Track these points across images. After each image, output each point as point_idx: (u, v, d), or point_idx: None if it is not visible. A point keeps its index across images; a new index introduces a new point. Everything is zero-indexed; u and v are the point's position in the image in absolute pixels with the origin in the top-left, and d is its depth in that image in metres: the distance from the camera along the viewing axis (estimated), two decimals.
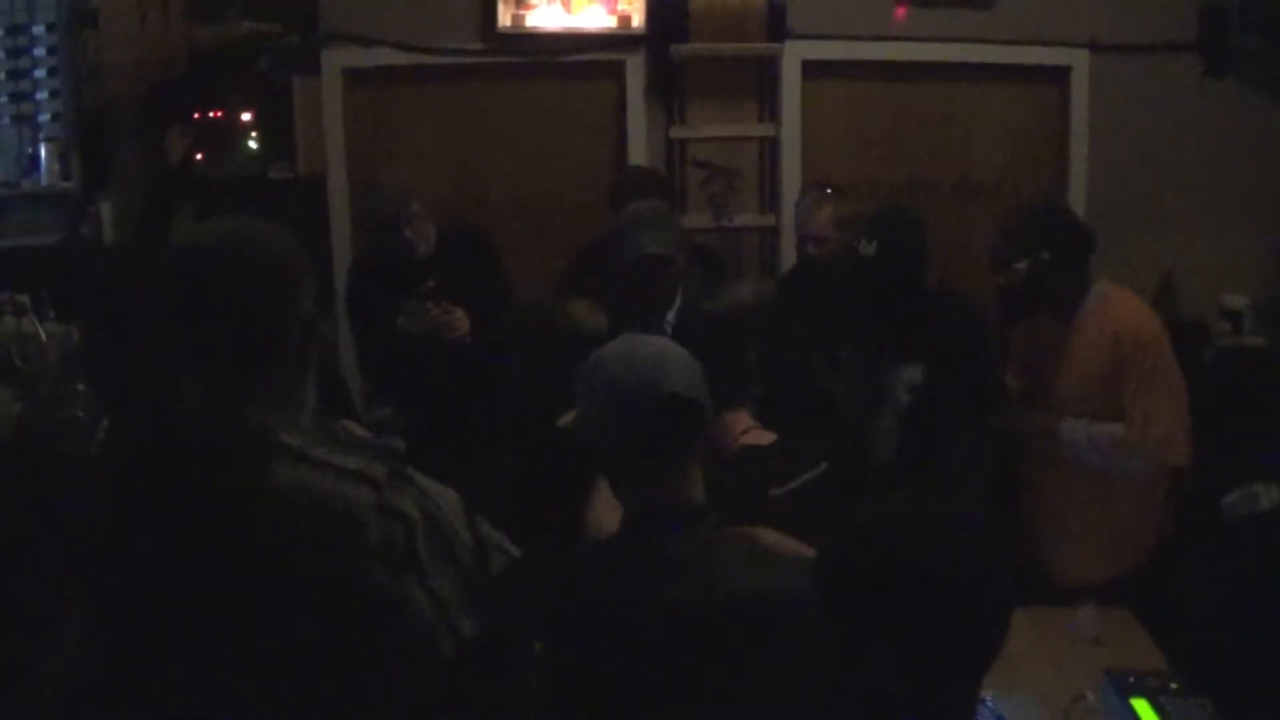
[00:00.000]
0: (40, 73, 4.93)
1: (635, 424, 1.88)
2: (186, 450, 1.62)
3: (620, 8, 4.77)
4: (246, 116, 4.74)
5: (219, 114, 4.71)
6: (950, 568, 1.55)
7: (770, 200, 4.93)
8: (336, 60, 4.81)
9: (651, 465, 1.90)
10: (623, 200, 4.21)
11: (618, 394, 1.89)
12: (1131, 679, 2.62)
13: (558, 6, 4.77)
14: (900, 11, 4.92)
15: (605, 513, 2.28)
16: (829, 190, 4.24)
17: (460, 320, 3.76)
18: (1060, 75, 5.04)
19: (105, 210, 4.75)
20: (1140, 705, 2.54)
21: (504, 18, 4.74)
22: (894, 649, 1.54)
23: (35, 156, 4.89)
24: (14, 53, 4.91)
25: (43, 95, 4.93)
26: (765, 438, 2.90)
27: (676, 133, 4.87)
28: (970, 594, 1.55)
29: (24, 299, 2.87)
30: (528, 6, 4.76)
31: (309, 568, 1.57)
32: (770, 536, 2.33)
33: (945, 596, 1.53)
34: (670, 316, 3.48)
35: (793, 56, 4.85)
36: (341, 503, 1.58)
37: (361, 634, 1.59)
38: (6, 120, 4.90)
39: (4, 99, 4.89)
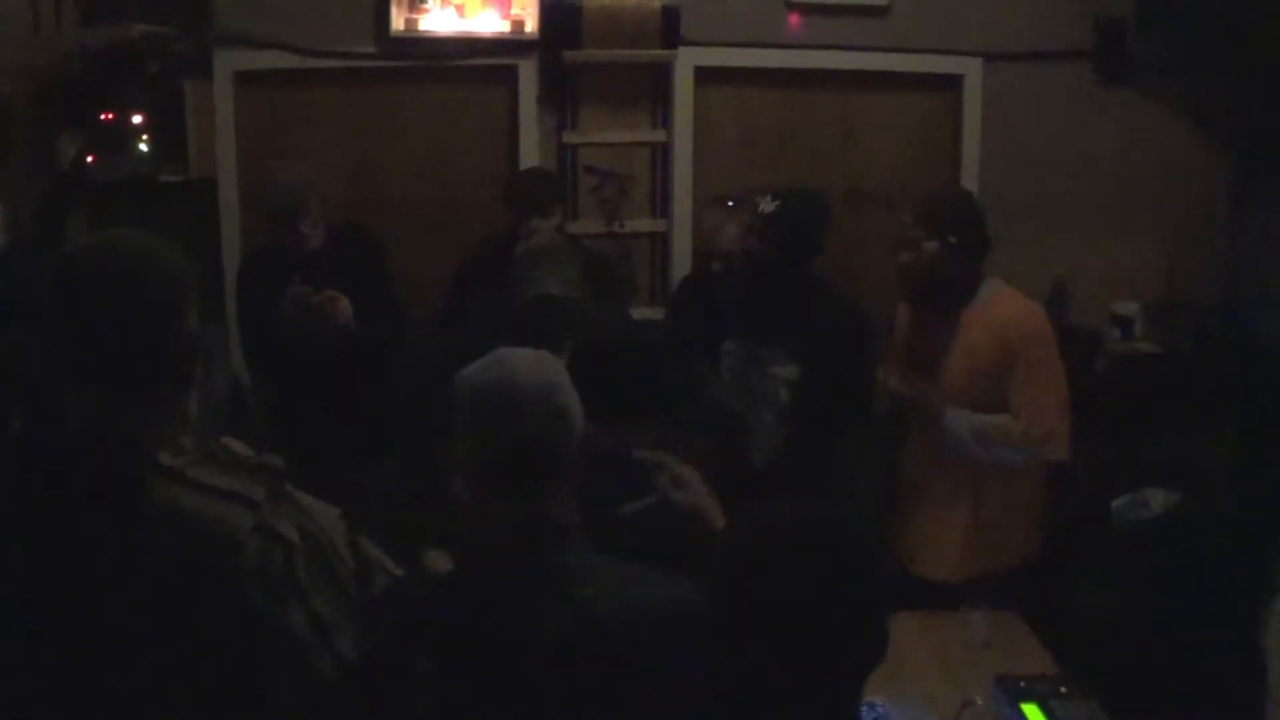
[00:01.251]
0: None
1: (503, 442, 1.84)
2: (63, 468, 1.61)
3: (513, 12, 4.78)
4: (138, 119, 4.73)
5: (110, 116, 4.69)
6: (829, 574, 1.56)
7: (662, 206, 4.95)
8: (228, 63, 4.79)
9: (519, 485, 1.85)
10: (518, 203, 4.23)
11: (484, 412, 1.86)
12: (1021, 683, 2.65)
13: (451, 11, 4.77)
14: (794, 19, 4.95)
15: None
16: (730, 204, 4.26)
17: (344, 306, 3.75)
18: (954, 83, 5.09)
19: None
20: (1030, 710, 2.58)
21: (397, 21, 4.74)
22: (777, 655, 1.55)
23: None
24: None
25: None
26: None
27: (569, 138, 4.88)
28: (850, 599, 1.56)
29: None
30: (421, 10, 4.76)
31: (185, 590, 1.56)
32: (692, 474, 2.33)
33: (825, 602, 1.54)
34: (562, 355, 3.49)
35: (685, 63, 4.88)
36: (218, 525, 1.57)
37: (240, 657, 1.58)
38: None
39: None
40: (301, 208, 3.80)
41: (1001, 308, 3.36)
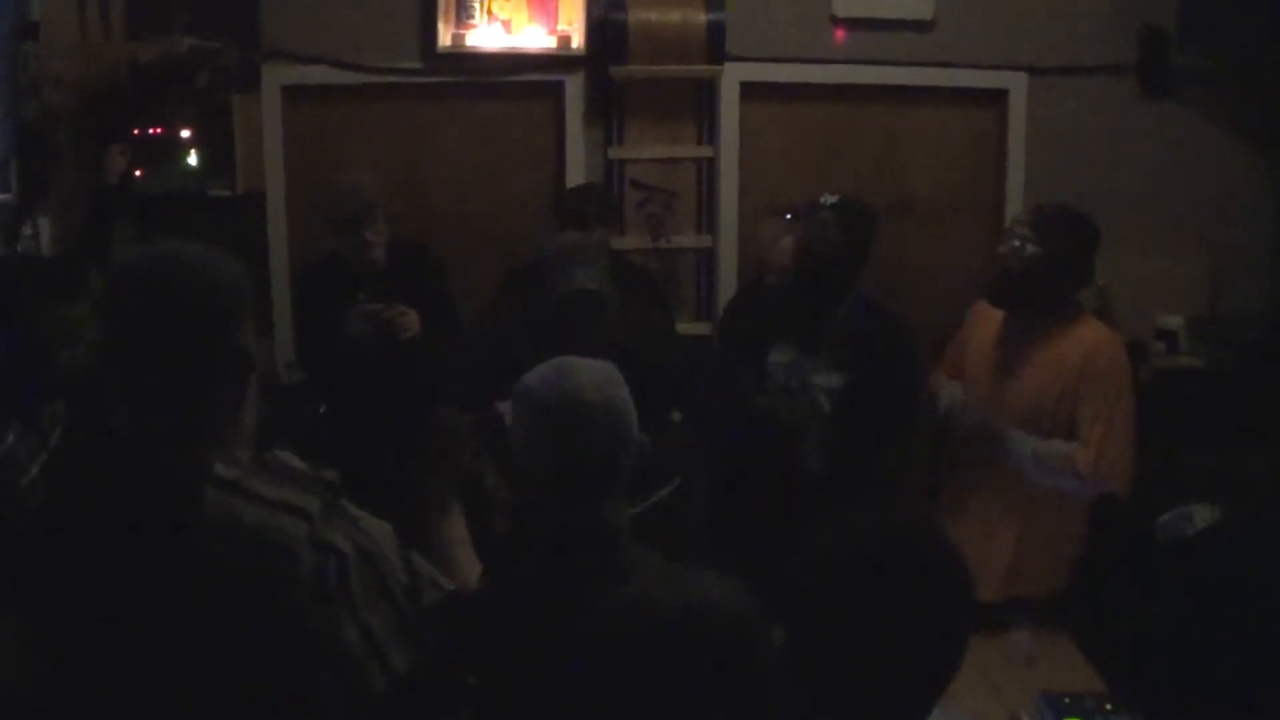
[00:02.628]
0: None
1: (570, 455, 1.90)
2: (120, 480, 1.62)
3: (560, 28, 4.79)
4: (186, 133, 4.72)
5: (158, 130, 4.70)
6: (913, 587, 1.56)
7: (708, 221, 4.95)
8: (276, 77, 4.81)
9: (582, 492, 1.92)
10: (569, 217, 4.25)
11: (551, 426, 1.92)
12: (1067, 699, 2.67)
13: (498, 26, 4.78)
14: (839, 34, 4.95)
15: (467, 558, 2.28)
16: (787, 216, 4.28)
17: (412, 320, 3.76)
18: (998, 98, 5.08)
19: (44, 225, 4.75)
20: None
21: (444, 37, 4.75)
22: (854, 671, 1.56)
23: None
24: None
25: None
26: None
27: (615, 153, 4.89)
28: (937, 611, 1.58)
29: None
30: (468, 26, 4.77)
31: (241, 600, 1.57)
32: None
33: (907, 617, 1.55)
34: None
35: (731, 78, 4.88)
36: (274, 535, 1.58)
37: (293, 668, 1.59)
38: None
39: None
40: (366, 214, 3.81)
41: (1086, 335, 3.37)
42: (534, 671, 1.81)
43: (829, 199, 3.52)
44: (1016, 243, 3.33)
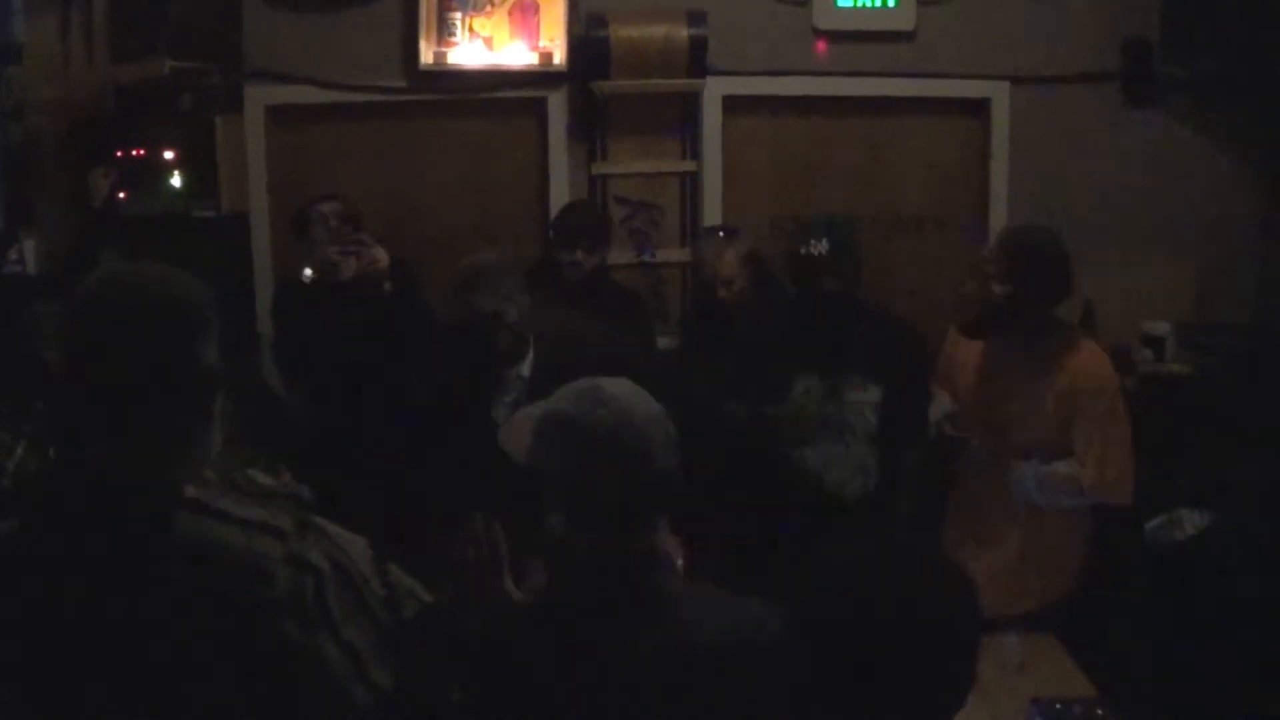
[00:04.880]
0: None
1: (620, 487, 1.82)
2: (88, 503, 1.61)
3: (542, 45, 4.80)
4: (170, 155, 4.74)
5: (142, 152, 4.71)
6: (931, 605, 1.58)
7: (692, 236, 4.94)
8: (259, 98, 4.82)
9: (624, 519, 1.84)
10: (561, 237, 4.25)
11: (607, 454, 1.82)
12: (1058, 705, 2.68)
13: (480, 44, 4.79)
14: (821, 46, 4.96)
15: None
16: (721, 234, 4.32)
17: (379, 255, 3.73)
18: (981, 107, 5.09)
19: (29, 248, 4.76)
20: None
21: (426, 55, 4.76)
22: (866, 694, 1.56)
23: None
24: None
25: None
26: None
27: (598, 169, 4.89)
28: (950, 630, 1.59)
29: None
30: (450, 44, 4.78)
31: (217, 622, 1.55)
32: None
33: (927, 634, 1.56)
34: (522, 370, 3.52)
35: (714, 92, 4.89)
36: (248, 555, 1.57)
37: (274, 688, 1.58)
38: None
39: None
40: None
41: (1069, 357, 3.38)
42: (576, 698, 1.80)
43: (819, 247, 3.34)
44: (983, 282, 3.34)
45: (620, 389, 1.89)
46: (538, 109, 4.94)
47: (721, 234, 4.31)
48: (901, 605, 1.56)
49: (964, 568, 1.69)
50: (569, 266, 4.20)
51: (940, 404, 3.57)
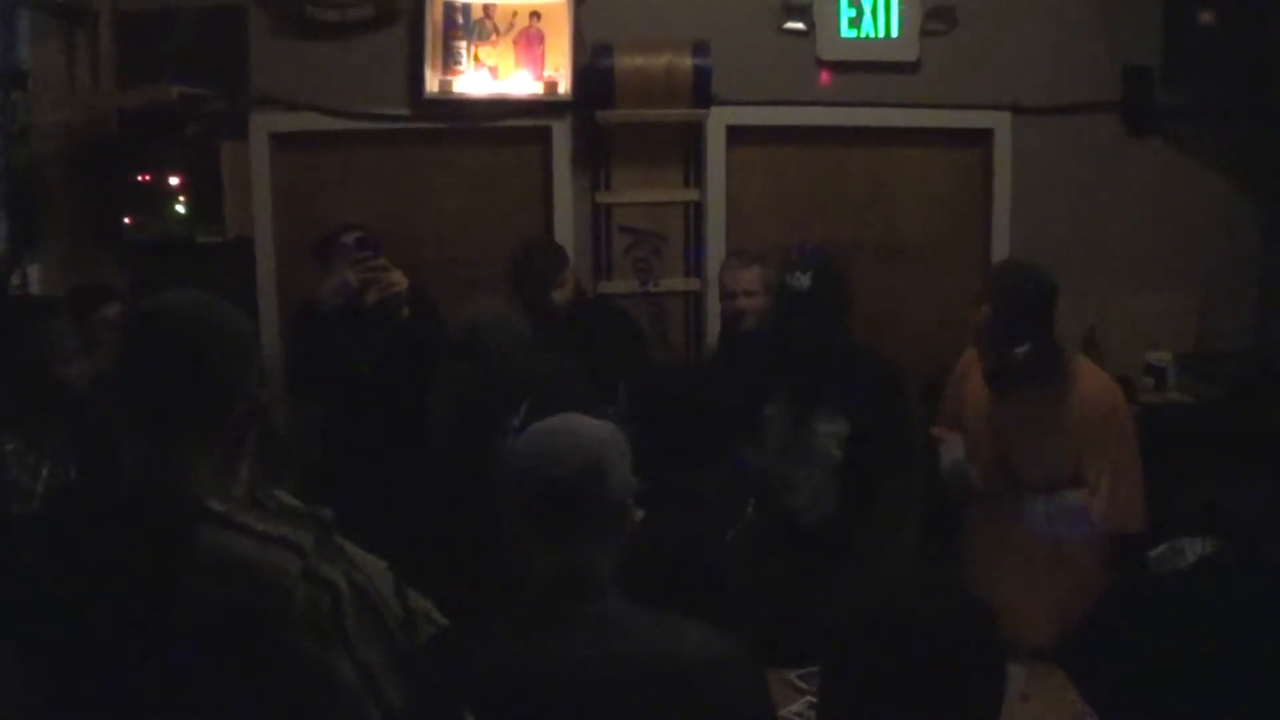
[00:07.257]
0: None
1: (533, 484, 1.92)
2: (114, 513, 1.64)
3: (547, 74, 4.81)
4: (175, 180, 4.74)
5: (147, 178, 4.72)
6: (952, 649, 1.60)
7: (695, 265, 4.97)
8: (264, 124, 4.84)
9: (551, 531, 1.93)
10: (538, 280, 4.22)
11: (522, 455, 1.96)
12: None
13: (485, 73, 4.81)
14: (824, 77, 4.98)
15: None
16: (751, 256, 4.33)
17: (399, 279, 3.71)
18: (984, 137, 5.11)
19: (32, 273, 4.77)
20: None
21: (431, 83, 4.77)
22: None
23: None
24: None
25: None
26: None
27: (603, 198, 4.91)
28: (973, 664, 1.61)
29: None
30: (455, 72, 4.80)
31: (234, 634, 1.57)
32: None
33: (951, 668, 1.58)
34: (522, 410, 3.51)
35: (718, 122, 4.90)
36: (267, 570, 1.58)
37: (287, 703, 1.59)
38: None
39: None
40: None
41: (1077, 388, 3.39)
42: (524, 710, 1.85)
43: (802, 281, 3.45)
44: (1011, 353, 3.35)
45: (581, 419, 2.01)
46: (542, 138, 4.95)
47: (750, 255, 4.34)
48: (925, 639, 1.58)
49: (985, 601, 1.69)
50: (554, 308, 4.19)
51: (951, 449, 3.59)
